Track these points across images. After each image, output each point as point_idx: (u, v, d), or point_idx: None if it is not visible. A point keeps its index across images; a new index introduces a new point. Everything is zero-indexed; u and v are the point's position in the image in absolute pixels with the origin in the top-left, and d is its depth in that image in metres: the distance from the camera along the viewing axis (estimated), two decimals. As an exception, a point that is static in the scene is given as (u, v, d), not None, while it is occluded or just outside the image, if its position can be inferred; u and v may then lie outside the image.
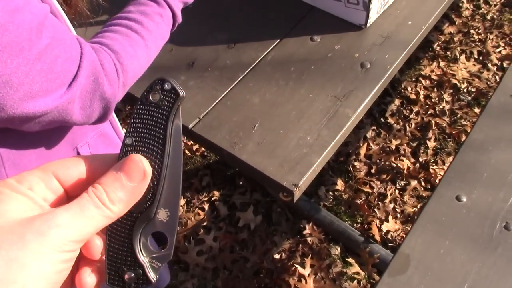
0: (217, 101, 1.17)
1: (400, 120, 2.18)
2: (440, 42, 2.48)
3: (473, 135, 1.47)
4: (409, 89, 2.28)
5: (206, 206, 1.94)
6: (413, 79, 2.33)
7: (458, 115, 2.18)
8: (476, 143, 1.46)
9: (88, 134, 0.94)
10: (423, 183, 1.98)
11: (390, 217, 1.87)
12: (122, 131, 1.04)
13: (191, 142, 2.08)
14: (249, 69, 1.23)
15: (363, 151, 2.07)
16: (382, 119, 2.18)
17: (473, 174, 1.39)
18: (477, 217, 1.29)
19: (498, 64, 2.37)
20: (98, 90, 0.77)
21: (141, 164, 0.37)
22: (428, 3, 1.37)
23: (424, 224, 1.30)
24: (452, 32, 2.53)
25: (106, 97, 0.79)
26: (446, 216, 1.30)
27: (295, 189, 1.02)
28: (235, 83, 1.20)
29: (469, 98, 2.25)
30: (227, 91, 1.18)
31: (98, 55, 0.78)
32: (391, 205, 1.92)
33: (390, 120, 2.17)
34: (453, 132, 2.12)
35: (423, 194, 1.93)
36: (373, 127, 2.15)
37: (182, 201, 1.95)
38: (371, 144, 2.10)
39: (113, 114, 0.94)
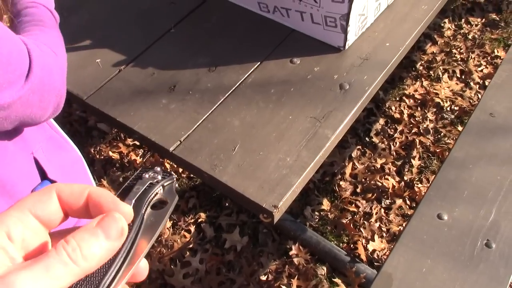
0: (198, 124, 1.18)
1: (384, 139, 2.20)
2: (423, 62, 2.52)
3: (454, 153, 1.49)
4: (393, 108, 2.31)
5: (192, 228, 1.93)
6: (397, 99, 2.36)
7: (442, 134, 2.21)
8: (457, 161, 1.47)
9: (39, 138, 0.95)
10: (408, 202, 1.99)
11: (376, 236, 1.88)
12: (64, 134, 1.05)
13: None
14: (230, 92, 1.24)
15: (348, 170, 2.08)
16: (367, 138, 2.20)
17: (454, 192, 1.40)
18: (458, 235, 1.31)
19: (480, 83, 2.41)
20: (51, 80, 0.83)
21: (120, 222, 0.36)
22: (405, 25, 1.40)
23: (407, 243, 1.30)
24: (434, 51, 2.57)
25: (57, 86, 0.85)
26: (428, 234, 1.31)
27: (275, 210, 1.03)
28: (216, 105, 1.21)
29: (452, 116, 2.28)
30: (208, 114, 1.20)
31: (39, 48, 0.83)
32: (377, 224, 1.92)
33: (375, 139, 2.19)
34: (437, 150, 2.14)
35: (408, 213, 1.94)
36: (358, 147, 2.17)
37: (169, 223, 1.95)
38: (356, 164, 2.11)
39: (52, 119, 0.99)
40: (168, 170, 0.42)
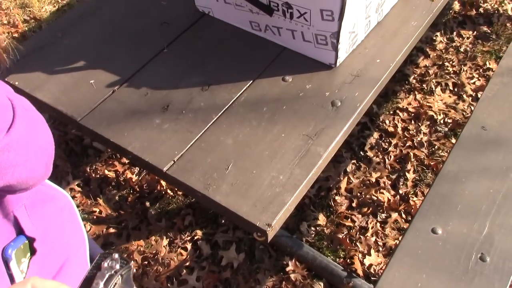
0: (191, 143, 1.19)
1: (379, 153, 2.21)
2: (416, 75, 2.54)
3: (447, 167, 1.50)
4: (387, 122, 2.33)
5: (188, 246, 1.93)
6: (391, 112, 2.37)
7: (436, 146, 2.22)
8: (450, 175, 1.48)
9: (23, 198, 0.85)
10: (403, 215, 2.00)
11: (372, 251, 1.88)
12: (51, 184, 0.96)
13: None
14: (223, 111, 1.25)
15: (343, 185, 2.09)
16: (361, 152, 2.21)
17: (447, 206, 1.41)
18: (453, 249, 1.31)
19: (473, 95, 2.43)
20: (36, 139, 0.74)
21: None
22: (395, 42, 1.42)
23: (401, 258, 1.31)
24: (427, 65, 2.59)
25: (43, 146, 0.76)
26: (423, 249, 1.32)
27: (269, 228, 1.03)
28: (209, 124, 1.22)
29: (446, 129, 2.29)
30: (201, 133, 1.21)
31: (25, 107, 0.76)
32: (373, 239, 1.93)
33: (370, 153, 2.21)
34: (432, 163, 2.15)
35: (404, 226, 1.95)
36: (353, 161, 2.18)
37: (165, 241, 1.95)
38: (352, 178, 2.12)
39: None
40: (125, 257, 0.43)
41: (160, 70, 1.37)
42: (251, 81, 1.33)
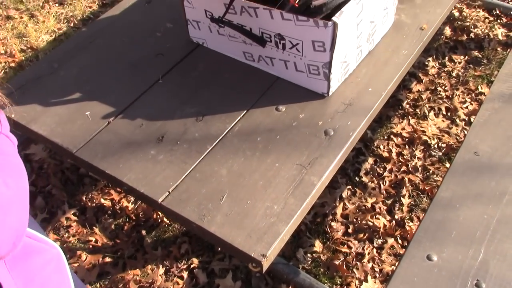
0: (186, 174, 1.20)
1: (374, 179, 2.22)
2: (409, 100, 2.57)
3: (441, 193, 1.51)
4: (381, 147, 2.34)
5: (185, 274, 1.92)
6: (385, 137, 2.39)
7: (430, 171, 2.23)
8: (444, 201, 1.49)
9: None
10: (400, 241, 2.00)
11: (369, 277, 1.88)
12: (40, 235, 0.90)
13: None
14: (217, 141, 1.27)
15: (339, 211, 2.10)
16: (356, 178, 2.22)
17: (442, 232, 1.41)
18: (448, 275, 1.31)
19: (466, 119, 2.45)
20: (7, 220, 0.68)
21: None
22: (386, 71, 1.44)
23: (397, 286, 1.31)
24: (420, 90, 2.62)
25: (7, 221, 0.68)
26: (418, 276, 1.32)
27: (263, 259, 1.04)
28: (204, 155, 1.24)
29: (440, 153, 2.30)
30: (195, 164, 1.22)
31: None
32: (370, 265, 1.92)
33: (365, 179, 2.21)
34: (426, 188, 2.16)
35: (400, 252, 1.94)
36: (348, 186, 2.19)
37: (161, 270, 1.94)
38: (347, 204, 2.13)
39: None
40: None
41: (155, 101, 1.38)
42: (245, 111, 1.35)
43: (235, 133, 1.29)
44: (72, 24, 3.07)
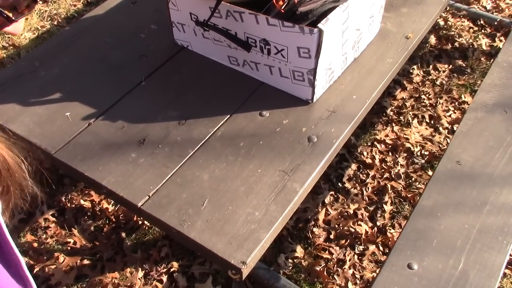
0: (167, 178, 1.18)
1: (357, 185, 2.22)
2: (393, 107, 2.57)
3: (423, 201, 1.51)
4: (365, 153, 2.34)
5: (164, 278, 1.90)
6: (369, 144, 2.39)
7: (413, 178, 2.24)
8: (425, 210, 1.49)
9: None
10: (381, 248, 2.00)
11: (349, 283, 1.87)
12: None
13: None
14: (199, 145, 1.25)
15: (321, 216, 2.09)
16: (339, 184, 2.22)
17: (423, 241, 1.41)
18: (428, 285, 1.31)
19: (449, 128, 2.46)
20: None
21: None
22: (371, 78, 1.44)
23: (377, 294, 1.30)
24: (404, 97, 2.63)
25: None
26: (398, 285, 1.31)
27: (243, 266, 1.02)
28: (185, 159, 1.22)
29: (423, 161, 2.31)
30: (177, 168, 1.20)
31: None
32: (350, 271, 1.92)
33: (348, 185, 2.21)
34: (409, 196, 2.17)
35: (382, 259, 1.95)
36: (331, 192, 2.18)
37: (140, 273, 1.91)
38: (330, 209, 2.12)
39: None
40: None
41: (137, 104, 1.36)
42: (228, 115, 1.33)
43: (217, 138, 1.27)
44: (56, 23, 3.03)
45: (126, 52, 1.52)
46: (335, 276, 1.90)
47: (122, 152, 1.23)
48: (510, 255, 2.01)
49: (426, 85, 2.70)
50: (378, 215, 2.11)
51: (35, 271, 1.89)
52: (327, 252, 1.98)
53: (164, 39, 1.55)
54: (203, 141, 1.26)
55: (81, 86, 1.41)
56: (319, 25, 1.18)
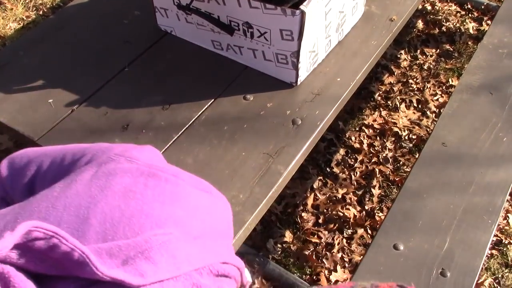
0: (151, 163, 1.17)
1: (345, 169, 2.23)
2: (381, 92, 2.58)
3: (408, 183, 1.52)
4: (353, 138, 2.35)
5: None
6: (357, 129, 2.40)
7: (401, 162, 2.25)
8: (411, 191, 1.50)
9: None
10: (369, 231, 2.01)
11: (338, 267, 1.89)
12: None
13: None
14: (183, 130, 1.25)
15: (310, 201, 2.10)
16: (328, 169, 2.23)
17: (409, 222, 1.42)
18: (414, 264, 1.32)
19: (436, 111, 2.47)
20: None
21: None
22: (355, 61, 1.44)
23: (363, 275, 1.31)
24: (392, 82, 2.63)
25: None
26: (385, 265, 1.32)
27: (228, 248, 1.02)
28: (169, 144, 1.22)
29: (411, 145, 2.33)
30: (161, 153, 1.20)
31: None
32: (339, 255, 1.93)
33: (336, 170, 2.22)
34: (397, 179, 2.18)
35: (370, 242, 1.96)
36: (319, 177, 2.19)
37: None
38: (318, 194, 2.13)
39: None
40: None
41: (120, 89, 1.36)
42: (213, 99, 1.33)
43: (201, 122, 1.27)
44: (41, 12, 3.00)
45: (110, 39, 1.51)
46: (324, 260, 1.92)
47: (106, 138, 1.23)
48: (495, 235, 2.04)
49: (414, 70, 2.71)
50: (366, 199, 2.12)
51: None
52: (315, 236, 1.99)
53: (147, 24, 1.53)
54: (187, 126, 1.26)
55: (64, 73, 1.40)
56: (301, 6, 1.18)
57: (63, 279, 0.53)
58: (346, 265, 1.91)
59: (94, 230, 0.58)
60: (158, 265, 0.55)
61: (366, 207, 2.09)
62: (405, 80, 2.65)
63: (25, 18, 2.97)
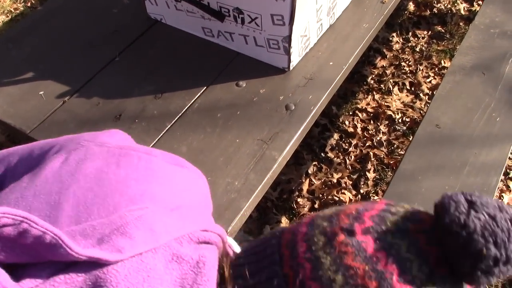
0: (145, 152, 1.17)
1: (340, 154, 2.23)
2: (373, 76, 2.58)
3: (403, 166, 1.53)
4: (346, 123, 2.35)
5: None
6: (350, 113, 2.40)
7: (395, 145, 2.26)
8: (406, 173, 1.51)
9: None
10: (365, 215, 2.02)
11: (335, 251, 1.89)
12: None
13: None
14: (176, 118, 1.24)
15: (305, 187, 2.10)
16: (322, 154, 2.23)
17: (404, 204, 1.43)
18: (410, 246, 1.33)
19: (429, 94, 2.47)
20: None
21: None
22: (347, 45, 1.43)
23: (361, 258, 1.32)
24: (384, 65, 2.63)
25: None
26: (381, 248, 1.33)
27: (224, 235, 1.02)
28: (163, 133, 1.21)
29: (404, 128, 2.33)
30: (154, 142, 1.19)
31: None
32: (336, 239, 1.94)
33: (330, 155, 2.22)
34: (391, 162, 2.18)
35: (366, 226, 1.97)
36: (314, 163, 2.19)
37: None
38: (313, 180, 2.13)
39: None
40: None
41: (112, 79, 1.35)
42: (205, 87, 1.32)
43: (194, 110, 1.26)
44: (29, 4, 2.97)
45: (99, 28, 1.49)
46: (321, 245, 1.92)
47: (99, 129, 1.21)
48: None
49: (406, 52, 2.70)
50: (362, 182, 2.13)
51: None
52: (312, 221, 2.00)
53: (137, 13, 1.52)
54: (180, 114, 1.25)
55: (54, 65, 1.39)
56: (292, -10, 1.17)
57: (37, 265, 0.53)
58: (343, 249, 1.92)
59: (66, 215, 0.58)
60: (135, 239, 0.54)
61: (362, 191, 2.09)
62: (397, 63, 2.64)
63: (13, 11, 2.93)
